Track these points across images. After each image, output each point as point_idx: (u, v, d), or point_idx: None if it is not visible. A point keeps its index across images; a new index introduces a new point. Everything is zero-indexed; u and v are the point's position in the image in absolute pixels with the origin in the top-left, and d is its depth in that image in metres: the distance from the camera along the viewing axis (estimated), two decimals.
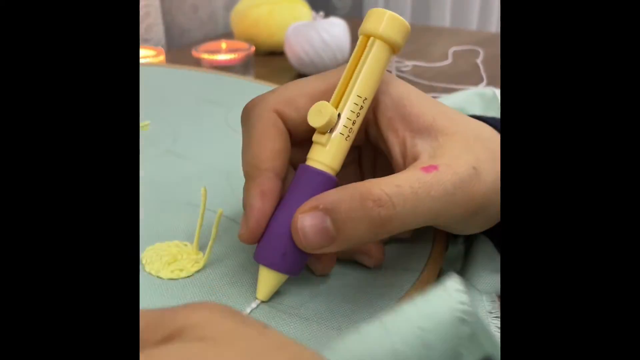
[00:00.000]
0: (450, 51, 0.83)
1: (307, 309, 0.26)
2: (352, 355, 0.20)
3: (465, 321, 0.20)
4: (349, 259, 0.29)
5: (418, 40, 0.88)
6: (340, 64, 0.64)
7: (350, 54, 0.27)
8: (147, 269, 0.28)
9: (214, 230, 0.28)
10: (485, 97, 0.47)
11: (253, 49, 0.69)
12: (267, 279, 0.26)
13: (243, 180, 0.26)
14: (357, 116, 0.26)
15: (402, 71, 0.74)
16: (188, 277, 0.28)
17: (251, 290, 0.27)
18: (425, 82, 0.70)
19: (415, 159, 0.26)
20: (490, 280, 0.30)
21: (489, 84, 0.70)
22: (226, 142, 0.41)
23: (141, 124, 0.44)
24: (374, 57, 0.26)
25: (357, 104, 0.26)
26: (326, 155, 0.26)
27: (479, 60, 0.79)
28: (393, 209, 0.23)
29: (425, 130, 0.26)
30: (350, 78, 0.26)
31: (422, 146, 0.26)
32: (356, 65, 0.26)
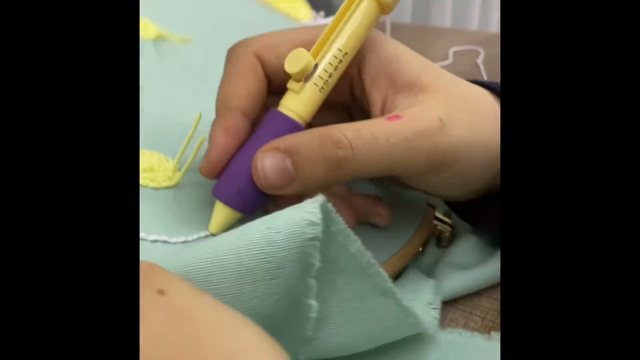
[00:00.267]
0: (451, 51, 0.83)
1: None
2: (199, 253, 0.21)
3: (313, 223, 0.20)
4: (364, 221, 0.30)
5: (418, 40, 0.88)
6: None
7: None
8: None
9: (193, 153, 0.28)
10: None
11: None
12: (221, 214, 0.26)
13: None
14: (335, 69, 0.26)
15: None
16: (155, 188, 0.28)
17: (207, 222, 0.27)
18: None
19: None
20: (452, 283, 0.29)
21: None
22: None
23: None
24: (360, 13, 0.26)
25: (336, 57, 0.26)
26: (297, 102, 0.26)
27: (479, 61, 0.79)
28: (351, 151, 0.24)
29: (407, 87, 0.26)
30: (334, 31, 0.26)
31: (400, 102, 0.26)
32: (341, 19, 0.26)
